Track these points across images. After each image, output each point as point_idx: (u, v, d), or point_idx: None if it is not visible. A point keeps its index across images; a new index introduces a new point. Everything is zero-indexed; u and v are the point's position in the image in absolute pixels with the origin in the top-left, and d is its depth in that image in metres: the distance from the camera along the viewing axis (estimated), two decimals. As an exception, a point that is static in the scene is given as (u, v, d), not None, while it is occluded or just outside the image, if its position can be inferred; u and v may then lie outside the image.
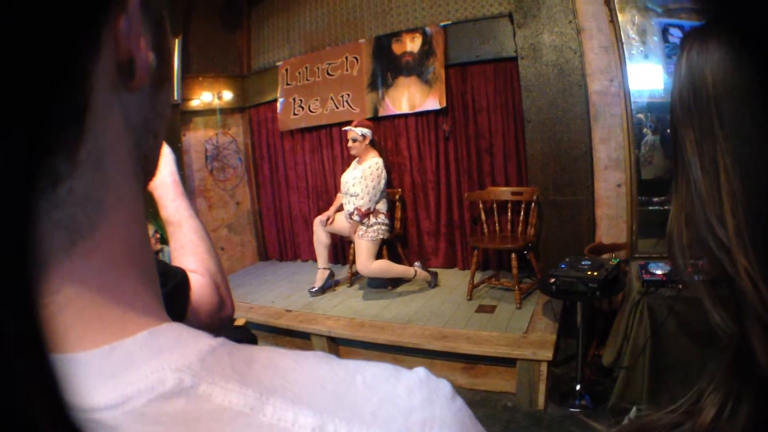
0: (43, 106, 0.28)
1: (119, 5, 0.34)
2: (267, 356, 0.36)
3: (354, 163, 5.29)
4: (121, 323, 0.35)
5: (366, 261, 5.03)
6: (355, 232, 5.08)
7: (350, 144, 5.15)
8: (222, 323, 1.07)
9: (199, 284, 1.01)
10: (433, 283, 5.31)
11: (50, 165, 0.31)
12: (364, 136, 5.08)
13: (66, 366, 0.30)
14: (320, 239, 5.45)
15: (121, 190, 0.37)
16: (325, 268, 5.54)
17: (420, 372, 0.37)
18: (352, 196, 5.08)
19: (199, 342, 0.36)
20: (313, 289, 5.43)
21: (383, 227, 5.12)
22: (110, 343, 0.33)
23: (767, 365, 0.47)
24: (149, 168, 0.44)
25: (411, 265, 5.41)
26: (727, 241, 0.51)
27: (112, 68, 0.35)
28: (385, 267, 5.17)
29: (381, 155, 5.25)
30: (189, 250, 1.07)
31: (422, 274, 5.29)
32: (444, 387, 0.37)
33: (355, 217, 5.02)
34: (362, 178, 5.01)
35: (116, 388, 0.32)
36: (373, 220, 5.06)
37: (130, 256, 0.38)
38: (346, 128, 5.20)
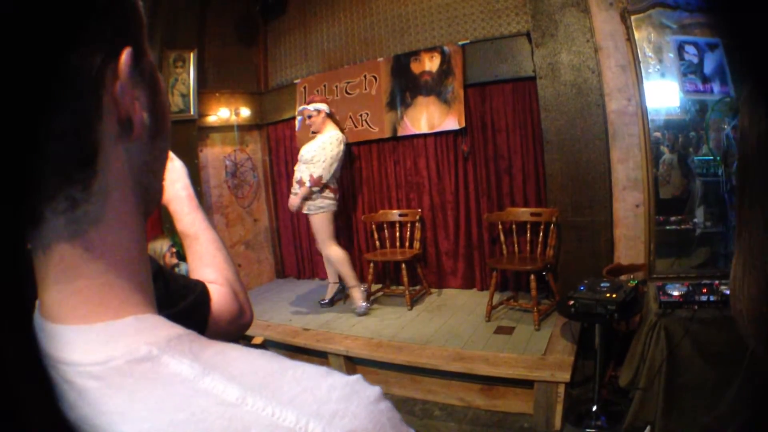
0: (61, 152, 0.43)
1: (115, 73, 0.47)
2: (221, 347, 0.47)
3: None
4: (117, 309, 0.49)
5: (327, 240, 5.43)
6: (301, 209, 5.43)
7: (307, 122, 5.53)
8: (242, 330, 1.15)
9: (220, 294, 1.08)
10: (362, 310, 5.49)
11: (69, 193, 0.45)
12: (317, 110, 5.45)
13: (73, 333, 0.47)
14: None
15: (124, 215, 0.51)
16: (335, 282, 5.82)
17: (352, 377, 0.45)
18: (305, 163, 5.40)
19: (171, 329, 0.49)
20: (323, 302, 5.77)
21: (328, 201, 5.44)
22: (106, 322, 0.48)
23: None
24: (151, 199, 0.57)
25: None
26: None
27: (115, 124, 0.48)
28: (341, 259, 5.46)
29: (342, 130, 5.63)
30: (207, 262, 1.14)
31: (358, 294, 5.51)
32: (370, 392, 0.44)
33: (298, 189, 5.39)
34: (321, 148, 5.33)
35: (105, 351, 0.45)
36: (317, 196, 5.38)
37: (128, 264, 0.51)
38: (301, 107, 5.61)
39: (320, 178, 5.32)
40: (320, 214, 5.42)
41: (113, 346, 0.45)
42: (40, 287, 0.50)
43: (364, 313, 5.47)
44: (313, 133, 5.63)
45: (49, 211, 0.45)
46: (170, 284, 0.99)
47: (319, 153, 5.36)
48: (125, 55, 0.48)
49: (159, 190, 0.60)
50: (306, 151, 5.48)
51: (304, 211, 5.48)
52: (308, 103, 5.57)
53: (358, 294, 5.51)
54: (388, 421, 0.43)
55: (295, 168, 5.61)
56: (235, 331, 1.13)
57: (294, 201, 5.44)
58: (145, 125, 0.51)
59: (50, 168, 0.43)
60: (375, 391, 0.44)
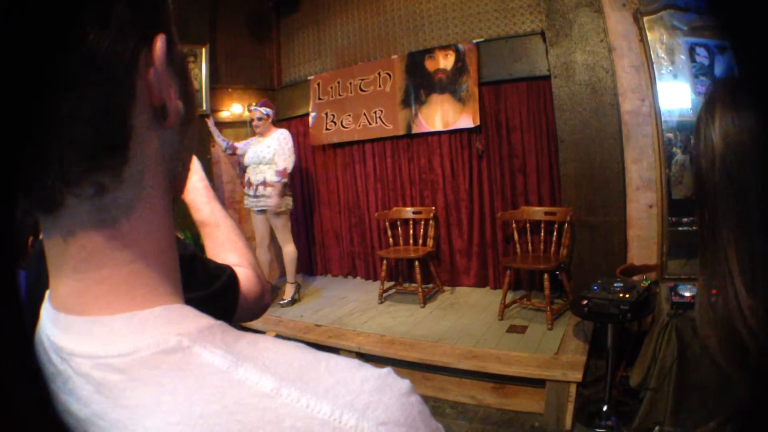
0: (88, 137, 0.43)
1: (148, 59, 0.47)
2: (253, 337, 0.47)
3: (256, 139, 5.92)
4: (143, 299, 0.48)
5: (289, 238, 5.94)
6: (273, 206, 5.72)
7: (255, 122, 5.80)
8: (263, 310, 1.21)
9: (245, 276, 1.12)
10: (286, 303, 6.07)
11: (96, 179, 0.44)
12: (268, 115, 5.77)
13: (93, 324, 0.46)
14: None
15: (154, 202, 0.50)
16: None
17: (383, 369, 0.45)
18: (265, 165, 5.71)
19: (201, 319, 0.48)
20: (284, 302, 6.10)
21: (290, 200, 5.90)
22: (132, 312, 0.47)
23: None
24: (177, 187, 0.57)
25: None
26: (758, 330, 0.56)
27: (149, 111, 0.48)
28: (295, 257, 6.03)
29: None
30: (229, 247, 1.19)
31: (291, 290, 6.16)
32: (402, 384, 0.44)
33: (275, 177, 5.66)
34: (278, 144, 5.68)
35: (131, 342, 0.44)
36: (266, 190, 5.72)
37: (157, 253, 0.51)
38: (253, 108, 5.89)
39: (285, 169, 5.68)
40: (287, 213, 5.85)
41: (140, 337, 0.44)
42: (54, 277, 0.49)
43: (289, 305, 6.03)
44: (259, 135, 5.92)
45: (72, 197, 0.44)
46: (205, 266, 1.04)
47: (278, 149, 5.68)
48: (160, 42, 0.48)
49: (185, 179, 0.60)
50: (258, 153, 5.77)
51: (260, 206, 5.80)
52: (260, 105, 5.85)
53: (291, 290, 6.14)
54: (419, 414, 0.44)
55: (249, 170, 5.86)
56: (258, 311, 1.18)
57: (274, 202, 5.68)
58: (179, 113, 0.51)
59: (74, 153, 0.43)
60: (406, 384, 0.45)
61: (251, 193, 5.79)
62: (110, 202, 0.46)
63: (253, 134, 6.11)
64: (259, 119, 5.79)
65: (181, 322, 0.47)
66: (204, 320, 0.48)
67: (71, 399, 0.45)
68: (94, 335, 0.46)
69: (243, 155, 5.98)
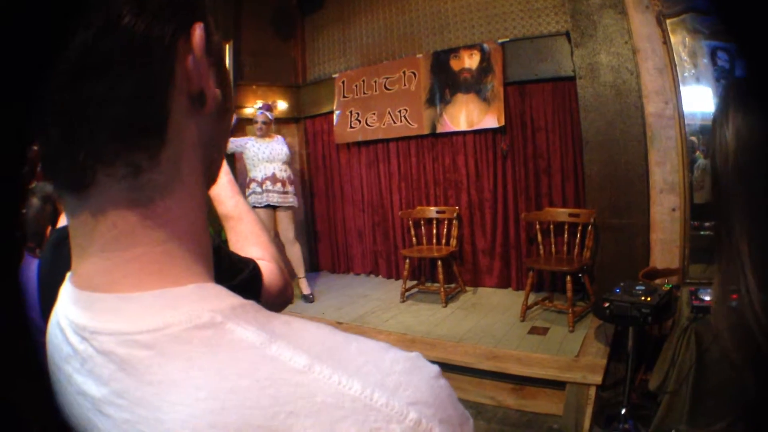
0: (122, 118, 0.44)
1: (187, 47, 0.48)
2: (285, 318, 0.47)
3: (256, 139, 6.18)
4: (176, 278, 0.48)
5: (294, 233, 6.16)
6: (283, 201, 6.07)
7: (260, 125, 6.07)
8: (286, 304, 1.22)
9: (268, 269, 1.14)
10: (309, 300, 6.26)
11: (132, 159, 0.46)
12: (271, 120, 6.13)
13: (121, 301, 0.47)
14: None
15: (190, 186, 0.51)
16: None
17: (412, 353, 0.46)
18: (287, 163, 6.07)
19: (234, 298, 0.48)
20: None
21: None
22: (163, 288, 0.47)
23: None
24: (212, 174, 0.59)
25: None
26: None
27: (187, 97, 0.49)
28: (300, 254, 6.23)
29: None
30: (253, 241, 1.20)
31: (305, 283, 6.34)
32: (430, 368, 0.45)
33: (291, 188, 6.21)
34: (288, 149, 6.14)
35: (161, 318, 0.44)
36: (291, 188, 6.04)
37: (191, 234, 0.51)
38: (260, 112, 6.15)
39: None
40: (294, 209, 6.15)
41: (172, 313, 0.45)
42: (78, 256, 0.50)
43: (312, 301, 6.24)
44: (260, 137, 6.14)
45: (104, 176, 0.45)
46: (229, 258, 1.06)
47: (288, 152, 6.15)
48: (198, 30, 0.49)
49: (220, 165, 0.61)
50: (274, 152, 6.04)
51: (287, 203, 6.06)
52: (266, 109, 6.17)
53: (305, 283, 6.33)
54: (448, 398, 0.45)
55: (272, 167, 6.03)
56: (280, 305, 1.19)
57: (298, 198, 6.25)
58: (218, 100, 0.53)
59: (108, 132, 0.44)
60: (435, 368, 0.46)
61: (277, 188, 5.96)
62: (146, 182, 0.47)
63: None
64: (264, 123, 6.05)
65: (214, 299, 0.47)
66: (237, 299, 0.48)
67: (88, 379, 0.46)
68: (122, 312, 0.46)
69: (241, 152, 6.18)
